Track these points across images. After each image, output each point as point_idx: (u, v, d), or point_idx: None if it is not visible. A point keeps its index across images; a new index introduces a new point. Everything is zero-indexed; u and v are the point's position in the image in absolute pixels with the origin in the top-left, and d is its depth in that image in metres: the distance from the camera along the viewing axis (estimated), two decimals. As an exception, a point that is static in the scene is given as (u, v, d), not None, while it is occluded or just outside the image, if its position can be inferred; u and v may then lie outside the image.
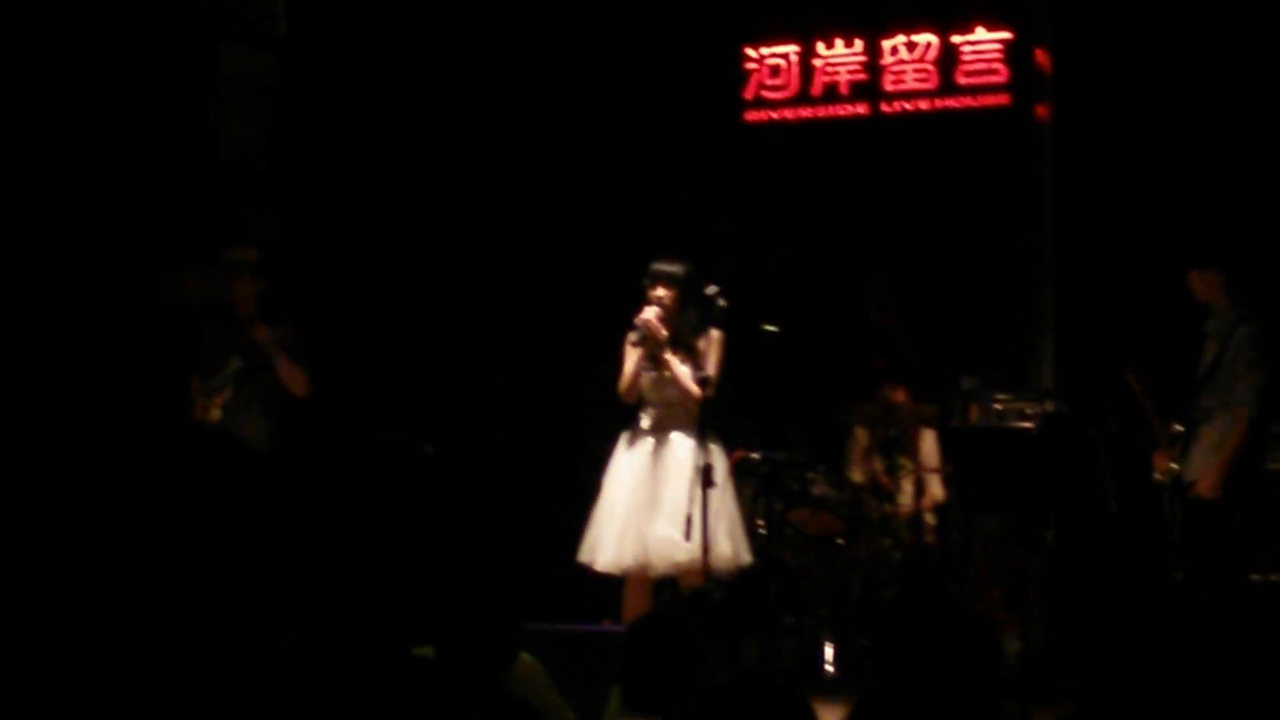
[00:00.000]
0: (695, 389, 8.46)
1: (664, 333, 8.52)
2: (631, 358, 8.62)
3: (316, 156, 11.78)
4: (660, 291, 8.58)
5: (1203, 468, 8.48)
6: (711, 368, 8.54)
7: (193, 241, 10.65)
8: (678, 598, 8.53)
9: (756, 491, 9.59)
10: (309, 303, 10.35)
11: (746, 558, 8.68)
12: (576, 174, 11.68)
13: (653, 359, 8.58)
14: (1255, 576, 8.70)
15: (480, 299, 11.72)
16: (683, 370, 8.52)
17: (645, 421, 8.67)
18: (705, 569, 8.13)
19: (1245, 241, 9.37)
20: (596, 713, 5.98)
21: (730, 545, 8.49)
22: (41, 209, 9.95)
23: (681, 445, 8.52)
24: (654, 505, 8.47)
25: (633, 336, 8.54)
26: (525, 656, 5.73)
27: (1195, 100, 10.23)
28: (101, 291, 10.15)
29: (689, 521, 8.13)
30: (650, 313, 8.53)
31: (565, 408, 10.91)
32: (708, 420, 8.40)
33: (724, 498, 8.50)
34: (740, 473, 9.67)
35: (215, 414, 9.31)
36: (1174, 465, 8.75)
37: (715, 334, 8.61)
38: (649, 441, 8.63)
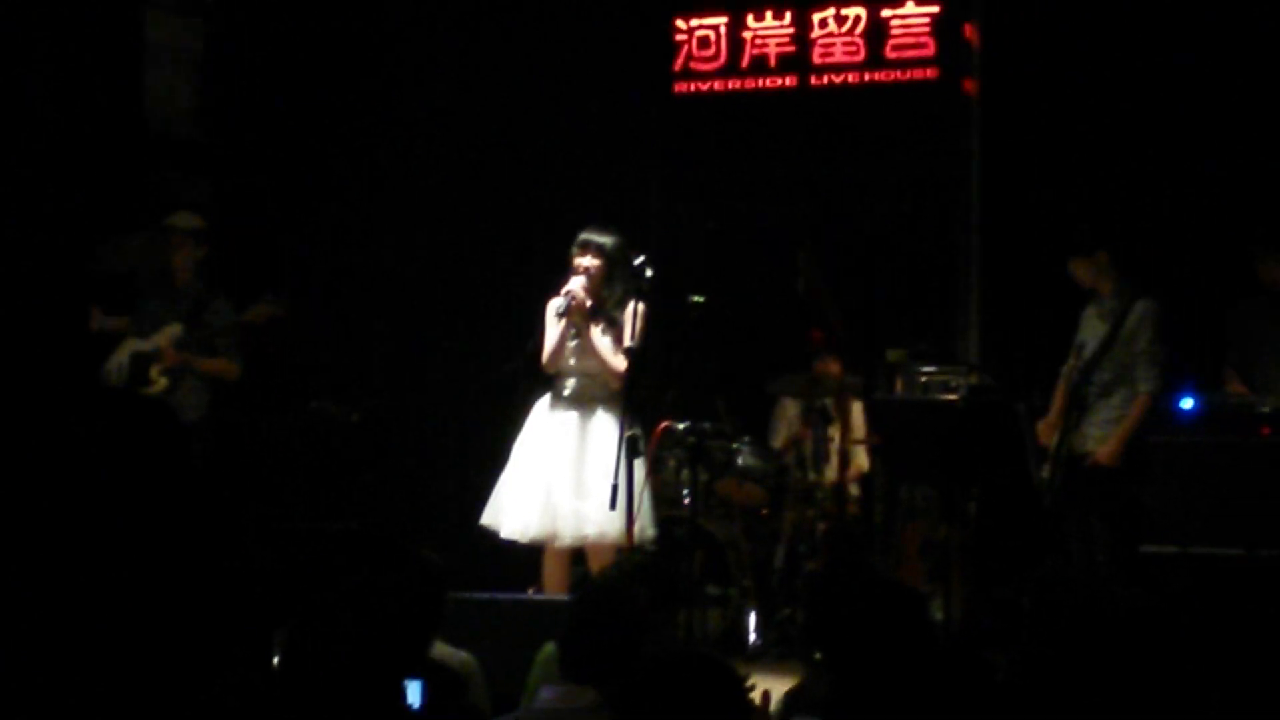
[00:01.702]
0: (616, 362, 8.44)
1: (589, 303, 8.51)
2: (554, 328, 8.59)
3: (247, 123, 11.73)
4: (588, 260, 8.55)
5: (1102, 438, 8.58)
6: (635, 340, 8.54)
7: (122, 209, 10.59)
8: (587, 570, 8.53)
9: (682, 462, 9.60)
10: (240, 271, 10.31)
11: (651, 532, 8.65)
12: (507, 144, 11.66)
13: (576, 329, 8.56)
14: (1149, 548, 8.81)
15: (411, 266, 11.70)
16: (604, 342, 8.50)
17: (565, 391, 8.65)
18: (629, 541, 8.12)
19: (1128, 222, 9.49)
20: (521, 680, 6.00)
21: (638, 522, 8.48)
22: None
23: (604, 418, 8.52)
24: (571, 477, 8.45)
25: (557, 306, 8.50)
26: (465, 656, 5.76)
27: (1121, 75, 10.29)
28: (31, 261, 10.07)
29: (615, 491, 8.12)
30: (576, 283, 8.50)
31: (492, 377, 10.91)
32: (633, 392, 8.39)
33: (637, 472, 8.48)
34: (666, 443, 9.68)
35: (161, 383, 9.28)
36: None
37: (639, 306, 8.58)
38: (570, 413, 8.61)
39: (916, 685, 4.27)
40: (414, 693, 4.72)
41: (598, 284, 8.54)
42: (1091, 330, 8.82)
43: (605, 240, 8.58)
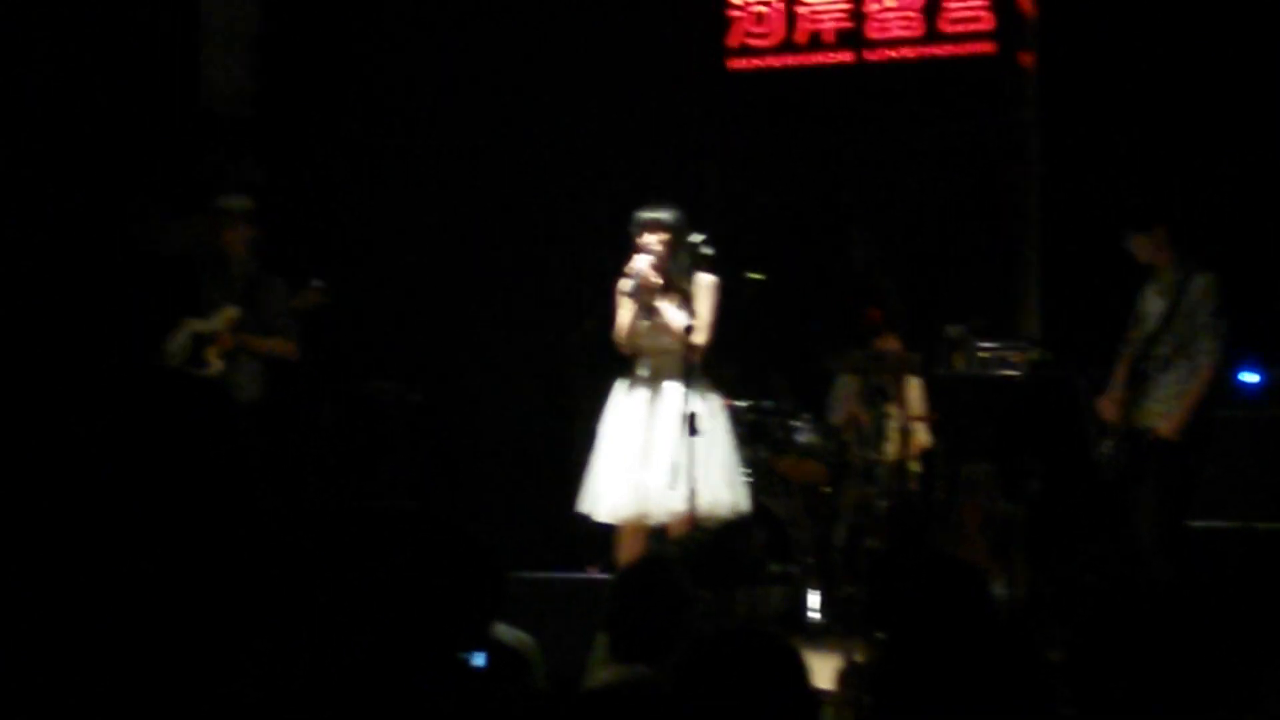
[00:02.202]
0: (694, 336, 8.44)
1: (658, 280, 8.50)
2: (625, 308, 8.58)
3: (302, 104, 11.75)
4: (651, 238, 8.55)
5: (1165, 413, 8.50)
6: (706, 313, 8.51)
7: (179, 190, 10.62)
8: (665, 547, 8.54)
9: (742, 440, 9.59)
10: (296, 251, 10.34)
11: (745, 505, 8.66)
12: (562, 124, 11.64)
13: (647, 307, 8.55)
14: (1196, 524, 8.77)
15: (470, 245, 11.72)
16: (678, 316, 8.50)
17: (642, 370, 8.65)
18: (691, 518, 8.12)
19: (1185, 197, 9.41)
20: (582, 660, 6.00)
21: (729, 493, 8.49)
22: (26, 161, 9.91)
23: (672, 393, 8.51)
24: (647, 454, 8.46)
25: (626, 286, 8.49)
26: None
27: (1179, 46, 10.21)
28: (89, 242, 10.12)
29: (675, 469, 8.14)
30: (644, 261, 8.49)
31: (551, 358, 10.91)
32: (694, 368, 8.38)
33: (723, 445, 8.48)
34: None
35: (217, 365, 9.32)
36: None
37: (706, 279, 8.57)
38: (645, 391, 8.61)
39: (976, 663, 4.24)
40: (479, 659, 4.73)
41: (664, 261, 8.53)
42: (1151, 305, 8.74)
43: (665, 217, 8.57)
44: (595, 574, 8.63)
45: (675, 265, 8.55)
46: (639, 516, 8.46)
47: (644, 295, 8.49)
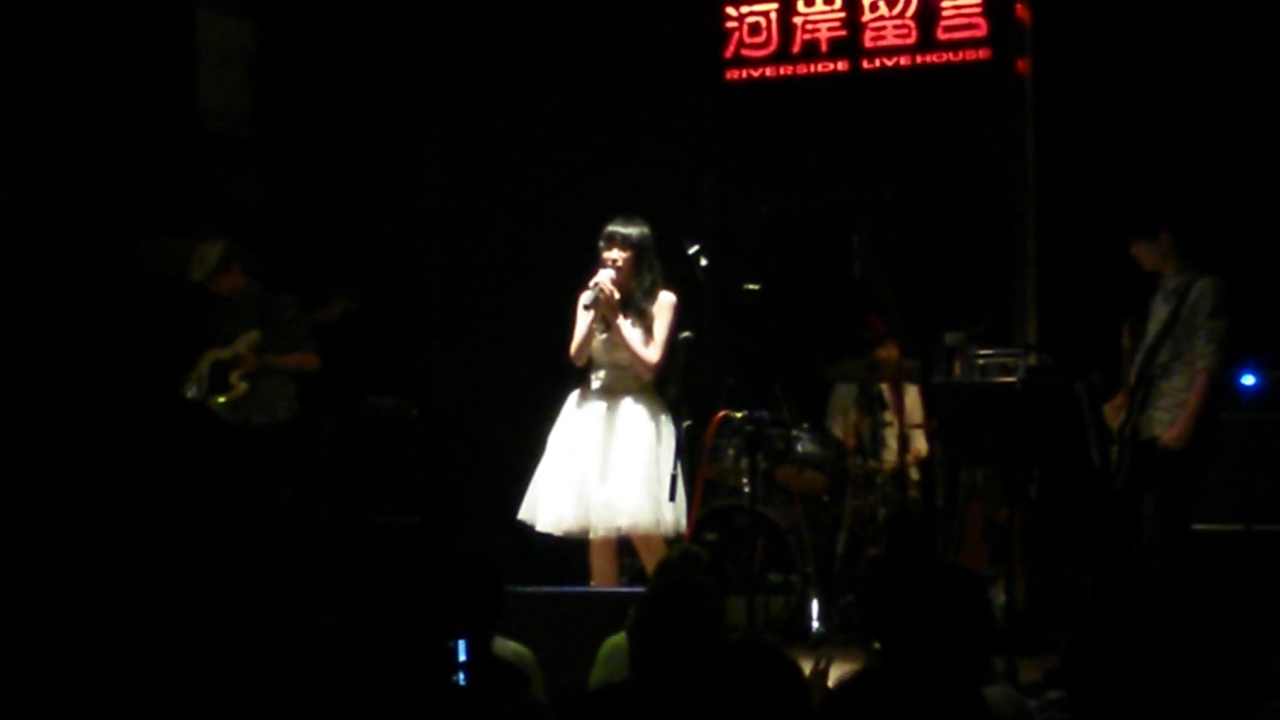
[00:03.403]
0: (647, 354, 8.46)
1: (616, 295, 8.49)
2: (583, 320, 8.57)
3: (299, 120, 11.77)
4: (615, 253, 8.55)
5: (1169, 420, 8.49)
6: (662, 332, 8.52)
7: (174, 210, 10.65)
8: (635, 563, 8.54)
9: (740, 450, 9.59)
10: (293, 266, 10.36)
11: (682, 524, 8.62)
12: (559, 137, 11.65)
13: (604, 322, 8.55)
14: (1199, 526, 8.77)
15: (465, 259, 11.73)
16: (634, 334, 8.50)
17: (595, 383, 8.66)
18: (689, 531, 8.13)
19: (1186, 200, 9.40)
20: (582, 674, 6.00)
21: (671, 513, 8.47)
22: (21, 180, 9.92)
23: (634, 409, 8.53)
24: (601, 469, 8.46)
25: (585, 299, 8.48)
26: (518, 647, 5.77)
27: (1175, 52, 10.22)
28: (82, 263, 10.13)
29: (674, 482, 8.18)
30: (604, 275, 8.50)
31: (550, 370, 10.92)
32: (688, 382, 8.41)
33: (666, 463, 8.46)
34: (724, 432, 9.69)
35: (240, 387, 9.43)
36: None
37: (666, 298, 8.58)
38: (600, 405, 8.61)
39: (972, 671, 4.25)
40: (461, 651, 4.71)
41: (626, 276, 8.54)
42: (1156, 312, 8.74)
43: (632, 231, 8.58)
44: (595, 588, 8.62)
45: (637, 280, 8.56)
46: (581, 530, 8.46)
47: (601, 308, 8.48)
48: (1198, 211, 9.33)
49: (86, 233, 10.17)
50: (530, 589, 7.67)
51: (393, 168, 11.76)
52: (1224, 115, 10.04)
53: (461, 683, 4.45)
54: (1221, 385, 8.66)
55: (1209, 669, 3.65)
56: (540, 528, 8.57)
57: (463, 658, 4.48)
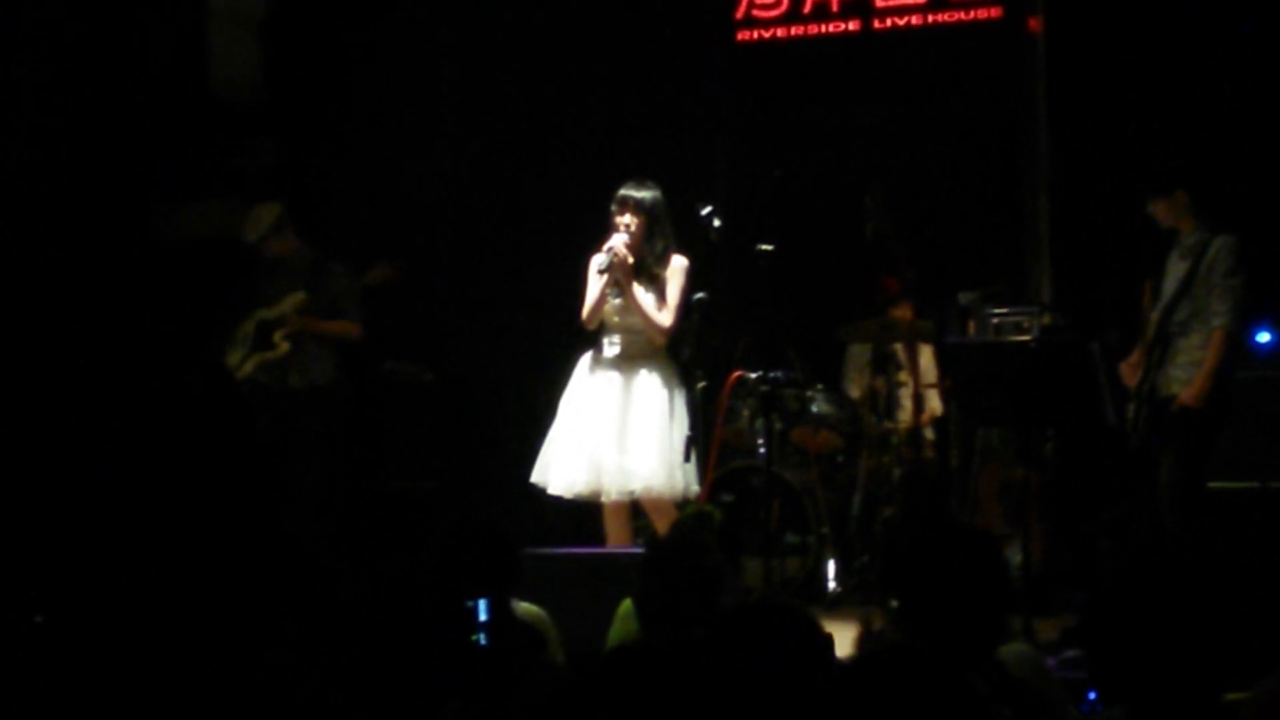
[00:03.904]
0: (660, 319, 8.46)
1: (630, 259, 8.49)
2: (595, 284, 8.57)
3: (311, 86, 11.75)
4: (628, 218, 8.53)
5: (1186, 379, 8.46)
6: (675, 295, 8.52)
7: (189, 177, 10.67)
8: (649, 524, 8.55)
9: (755, 411, 9.61)
10: (309, 232, 10.37)
11: (695, 487, 8.62)
12: (571, 102, 11.64)
13: (618, 286, 8.55)
14: (1214, 484, 8.75)
15: (480, 224, 11.74)
16: (647, 299, 8.50)
17: (608, 349, 8.65)
18: (705, 494, 8.14)
19: (1204, 158, 9.37)
20: (599, 635, 6.02)
21: (684, 476, 8.46)
22: (34, 151, 9.93)
23: (647, 375, 8.53)
24: (617, 433, 8.45)
25: (599, 262, 8.48)
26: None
27: (1187, 10, 10.18)
28: (97, 230, 10.16)
29: (689, 444, 8.19)
30: (618, 240, 8.49)
31: (565, 335, 10.93)
32: (703, 343, 8.40)
33: (679, 426, 8.46)
34: (739, 393, 9.70)
35: (283, 347, 9.56)
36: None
37: (678, 262, 8.57)
38: (613, 369, 8.61)
39: (989, 631, 4.26)
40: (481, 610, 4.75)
41: (639, 240, 8.52)
42: (1172, 269, 8.70)
43: (644, 195, 8.55)
44: (612, 549, 8.65)
45: (649, 245, 8.55)
46: (593, 494, 8.46)
47: (615, 272, 8.48)
48: (1212, 168, 9.29)
49: (102, 202, 10.19)
50: (545, 551, 7.70)
51: (405, 134, 11.75)
52: (1238, 74, 10.00)
53: (482, 643, 4.47)
54: (1238, 343, 8.63)
55: (1224, 628, 3.66)
56: (551, 491, 8.56)
57: (483, 618, 4.50)
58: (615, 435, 8.43)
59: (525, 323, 11.50)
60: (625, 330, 8.59)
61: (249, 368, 9.61)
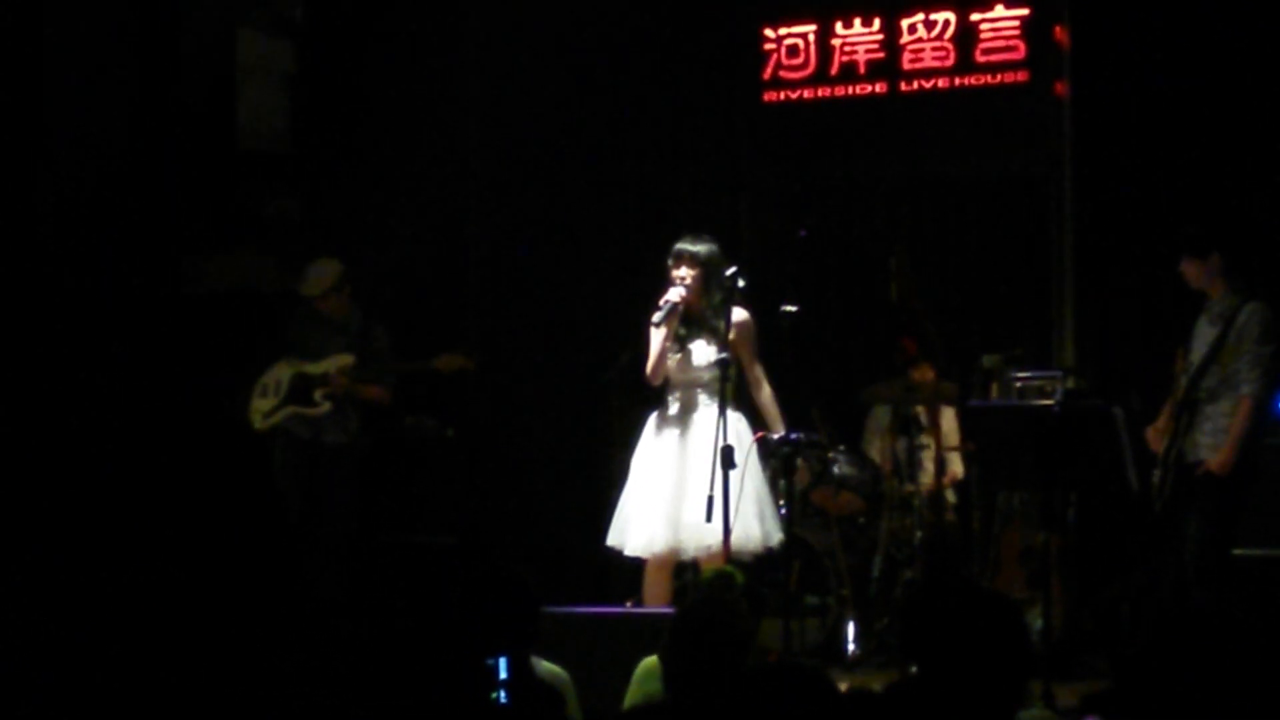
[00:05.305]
0: (766, 395, 8.68)
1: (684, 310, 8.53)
2: (656, 339, 8.60)
3: (337, 139, 11.81)
4: (684, 271, 8.57)
5: (1213, 445, 8.42)
6: (755, 358, 8.72)
7: (213, 230, 10.73)
8: (698, 580, 8.52)
9: (777, 472, 9.58)
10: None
11: (777, 537, 8.67)
12: (598, 158, 11.66)
13: (678, 340, 8.58)
14: (1240, 550, 8.71)
15: (504, 280, 11.76)
16: (707, 351, 8.53)
17: (672, 405, 8.68)
18: (726, 551, 8.12)
19: (1239, 223, 9.35)
20: (618, 695, 6.00)
21: (760, 526, 8.50)
22: (63, 199, 9.99)
23: (703, 426, 8.51)
24: (681, 488, 8.46)
25: (656, 317, 8.52)
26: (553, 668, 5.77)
27: (1214, 75, 10.18)
28: (124, 282, 10.21)
29: (710, 503, 8.15)
30: (675, 293, 8.52)
31: (586, 390, 10.92)
32: (726, 401, 8.38)
33: (754, 477, 8.49)
34: (760, 454, 9.68)
35: (324, 406, 9.84)
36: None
37: (742, 316, 8.62)
38: (676, 424, 8.63)
39: (1009, 696, 4.23)
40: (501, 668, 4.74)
41: (696, 293, 8.55)
42: (1202, 335, 8.67)
43: (700, 249, 8.61)
44: (632, 608, 8.63)
45: (706, 298, 8.58)
46: (671, 552, 8.47)
47: (672, 324, 8.51)
48: (1242, 234, 9.26)
49: (130, 250, 10.25)
50: (566, 609, 7.68)
51: (430, 187, 11.78)
52: (1265, 140, 10.00)
53: (502, 700, 4.46)
54: (1266, 411, 8.60)
55: (1250, 695, 3.64)
56: (629, 551, 8.64)
57: (503, 675, 4.49)
58: (685, 490, 8.44)
59: (548, 379, 11.51)
60: (687, 384, 8.63)
61: (279, 418, 9.72)
